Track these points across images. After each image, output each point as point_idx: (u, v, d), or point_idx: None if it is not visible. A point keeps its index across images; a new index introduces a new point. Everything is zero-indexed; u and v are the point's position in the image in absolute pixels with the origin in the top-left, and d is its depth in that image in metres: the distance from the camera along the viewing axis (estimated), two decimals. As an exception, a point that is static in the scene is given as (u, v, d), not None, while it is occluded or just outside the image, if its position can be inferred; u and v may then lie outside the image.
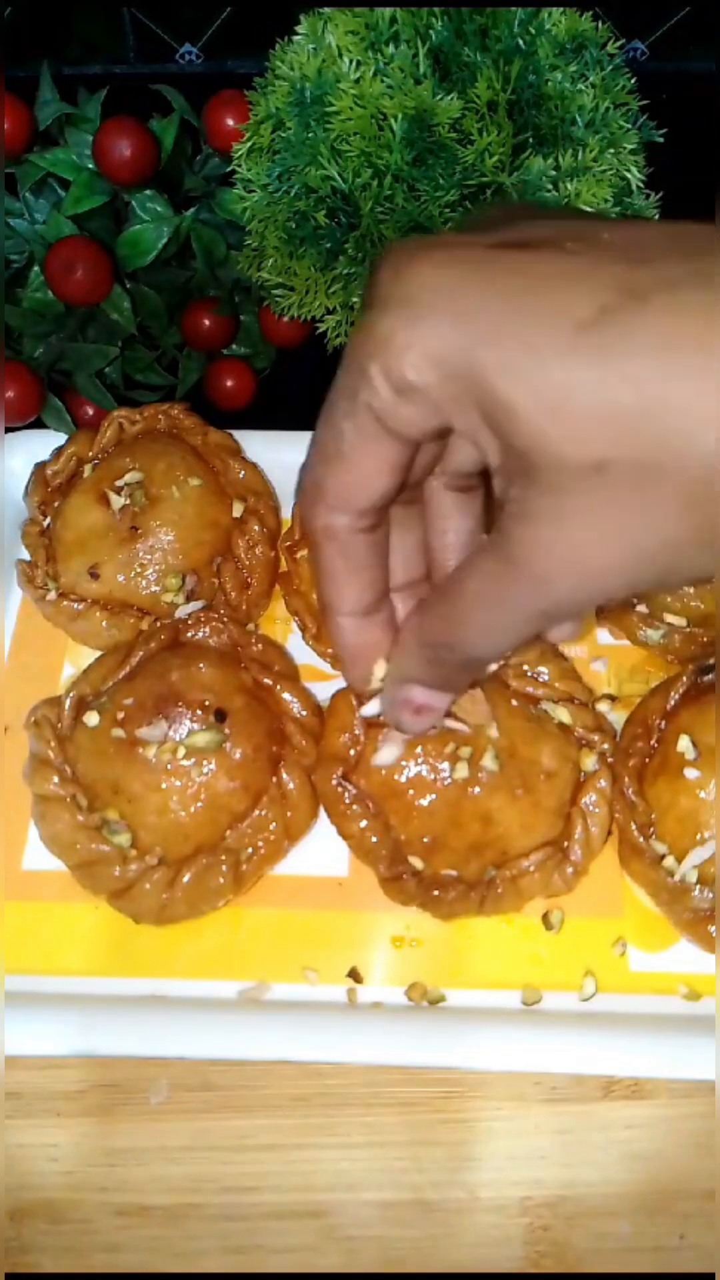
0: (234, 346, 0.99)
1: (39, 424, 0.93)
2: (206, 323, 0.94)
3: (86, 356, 0.92)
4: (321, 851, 0.76)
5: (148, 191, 0.90)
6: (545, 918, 0.75)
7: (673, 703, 0.76)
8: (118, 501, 0.82)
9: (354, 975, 0.74)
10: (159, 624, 0.80)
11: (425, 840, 0.72)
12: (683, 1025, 0.70)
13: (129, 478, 0.83)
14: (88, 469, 0.86)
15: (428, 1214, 0.70)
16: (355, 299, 0.81)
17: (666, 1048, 0.69)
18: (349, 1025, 0.71)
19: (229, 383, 0.98)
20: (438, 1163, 0.71)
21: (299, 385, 1.01)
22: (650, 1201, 0.70)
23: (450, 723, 0.72)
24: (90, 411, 0.96)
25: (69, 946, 0.75)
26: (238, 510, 0.85)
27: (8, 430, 0.91)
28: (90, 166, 0.88)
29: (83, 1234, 0.69)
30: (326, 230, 0.80)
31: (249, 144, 0.82)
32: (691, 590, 0.81)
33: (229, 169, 0.85)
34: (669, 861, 0.71)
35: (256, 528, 0.84)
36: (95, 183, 0.88)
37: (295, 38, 0.80)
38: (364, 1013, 0.72)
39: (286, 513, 0.87)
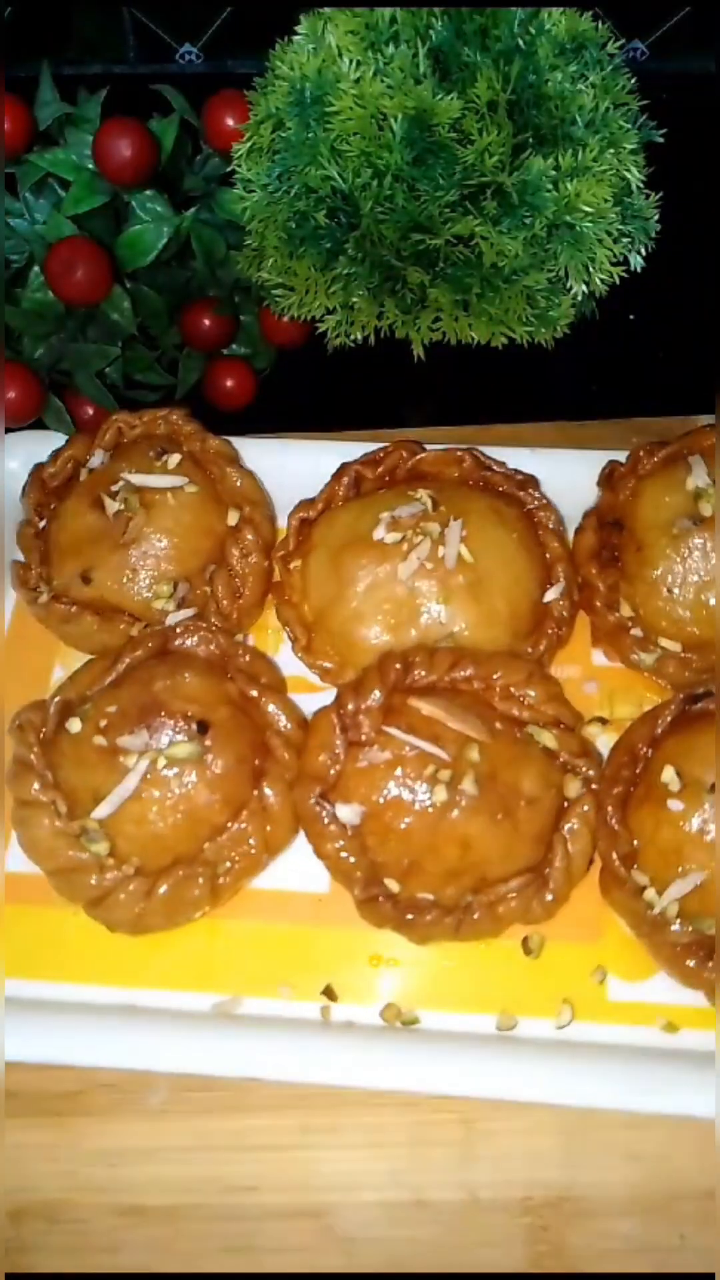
0: (234, 346, 0.99)
1: (39, 424, 0.93)
2: (206, 323, 0.94)
3: (87, 357, 0.92)
4: (302, 867, 0.75)
5: (148, 191, 0.90)
6: (525, 942, 0.74)
7: (660, 731, 0.75)
8: (113, 506, 0.82)
9: (329, 993, 0.73)
10: (148, 630, 0.79)
11: (403, 863, 0.72)
12: (659, 1059, 0.70)
13: (124, 482, 0.82)
14: (84, 472, 0.86)
15: (428, 1214, 0.70)
16: (355, 299, 0.81)
17: (641, 1081, 0.68)
18: (320, 1046, 0.70)
19: (229, 383, 0.98)
20: (438, 1163, 0.71)
21: (299, 385, 1.01)
22: (650, 1201, 0.69)
23: (427, 745, 0.72)
24: (90, 411, 0.95)
25: (46, 951, 0.74)
26: (233, 518, 0.84)
27: (8, 431, 0.91)
28: (90, 167, 0.88)
29: (82, 1234, 0.69)
30: (326, 230, 0.80)
31: (249, 144, 0.81)
32: (688, 615, 0.80)
33: (229, 169, 0.85)
34: (649, 894, 0.71)
35: (251, 536, 0.83)
36: (95, 183, 0.88)
37: (295, 38, 0.80)
38: (335, 1033, 0.72)
39: (282, 521, 0.87)
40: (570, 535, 0.85)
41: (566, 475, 0.88)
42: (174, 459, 0.84)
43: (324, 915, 0.76)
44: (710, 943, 0.69)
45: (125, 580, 0.82)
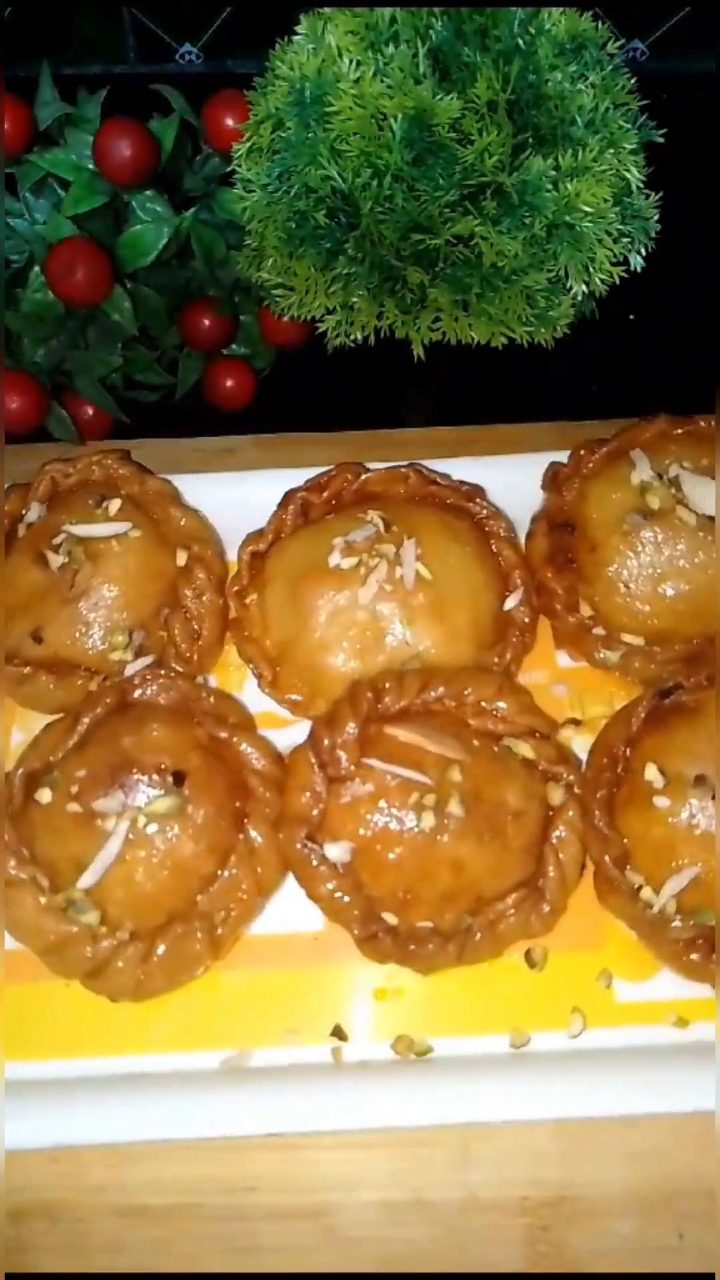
0: (234, 346, 0.99)
1: (42, 431, 0.93)
2: (206, 323, 0.94)
3: (89, 364, 0.92)
4: (294, 907, 0.75)
5: (148, 192, 0.90)
6: (528, 955, 0.74)
7: (635, 729, 0.75)
8: (56, 560, 0.80)
9: (338, 1033, 0.73)
10: (106, 683, 0.77)
11: (398, 894, 0.71)
12: (676, 1056, 0.70)
13: (65, 534, 0.81)
14: (22, 527, 0.83)
15: (428, 1214, 0.70)
16: (355, 299, 0.81)
17: (663, 1082, 0.68)
18: (335, 1091, 0.69)
19: (229, 383, 0.98)
20: (437, 1162, 0.71)
21: (299, 385, 1.01)
22: (650, 1201, 0.70)
23: (409, 772, 0.71)
24: (90, 412, 0.95)
25: (42, 1028, 0.72)
26: (181, 558, 0.83)
27: (11, 441, 0.90)
28: (90, 167, 0.88)
29: (82, 1234, 0.69)
30: (326, 230, 0.80)
31: (249, 144, 0.81)
32: (647, 608, 0.80)
33: (229, 169, 0.85)
34: (646, 893, 0.71)
35: (202, 575, 0.82)
36: (95, 183, 0.88)
37: (295, 38, 0.80)
38: (349, 1075, 0.71)
39: (231, 555, 0.86)
40: (522, 541, 0.86)
41: (511, 481, 0.87)
42: (114, 504, 0.83)
43: (323, 953, 0.75)
44: (712, 934, 0.69)
45: (78, 634, 0.80)
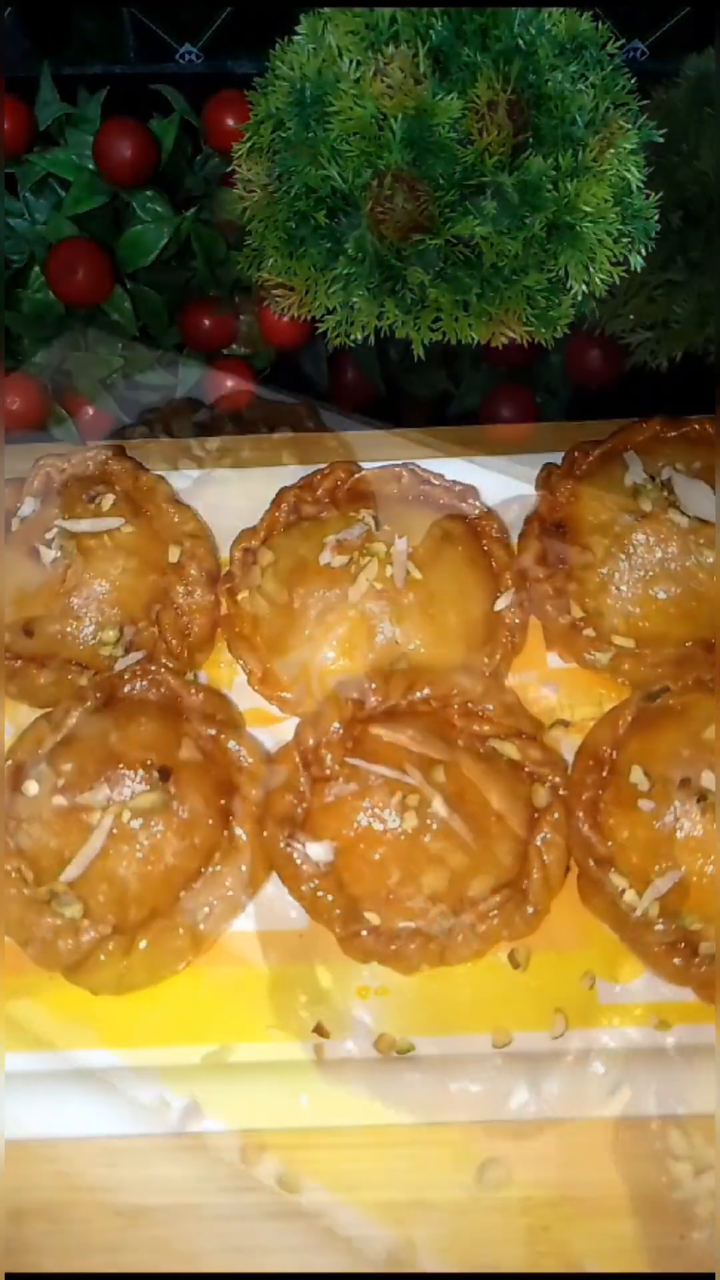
0: (234, 346, 0.99)
1: (43, 431, 0.93)
2: (206, 323, 0.94)
3: (89, 364, 0.92)
4: (279, 904, 0.75)
5: (148, 192, 0.90)
6: (511, 955, 0.74)
7: (621, 731, 0.75)
8: (49, 555, 0.80)
9: (320, 1030, 0.72)
10: (96, 678, 0.77)
11: (380, 893, 0.71)
12: (658, 1059, 0.70)
13: (58, 529, 0.81)
14: (16, 521, 0.84)
15: (428, 1214, 0.70)
16: (355, 299, 0.81)
17: (643, 1085, 0.69)
18: (316, 1088, 0.70)
19: (229, 383, 0.98)
20: (438, 1163, 0.70)
21: (299, 385, 1.01)
22: (650, 1201, 0.69)
23: (392, 772, 0.71)
24: (90, 412, 0.96)
25: (23, 1021, 0.72)
26: (174, 554, 0.83)
27: (12, 441, 0.90)
28: (90, 167, 0.88)
29: (83, 1234, 0.69)
30: (326, 230, 0.80)
31: (249, 144, 0.81)
32: (638, 610, 0.80)
33: (229, 169, 0.85)
34: (629, 896, 0.71)
35: (194, 571, 0.82)
36: (95, 183, 0.88)
37: (295, 38, 0.80)
38: (331, 1072, 0.71)
39: (224, 552, 0.86)
40: (514, 541, 0.85)
41: (505, 481, 0.88)
42: (108, 500, 0.83)
43: (307, 951, 0.75)
44: (695, 938, 0.70)
45: (69, 629, 0.80)
